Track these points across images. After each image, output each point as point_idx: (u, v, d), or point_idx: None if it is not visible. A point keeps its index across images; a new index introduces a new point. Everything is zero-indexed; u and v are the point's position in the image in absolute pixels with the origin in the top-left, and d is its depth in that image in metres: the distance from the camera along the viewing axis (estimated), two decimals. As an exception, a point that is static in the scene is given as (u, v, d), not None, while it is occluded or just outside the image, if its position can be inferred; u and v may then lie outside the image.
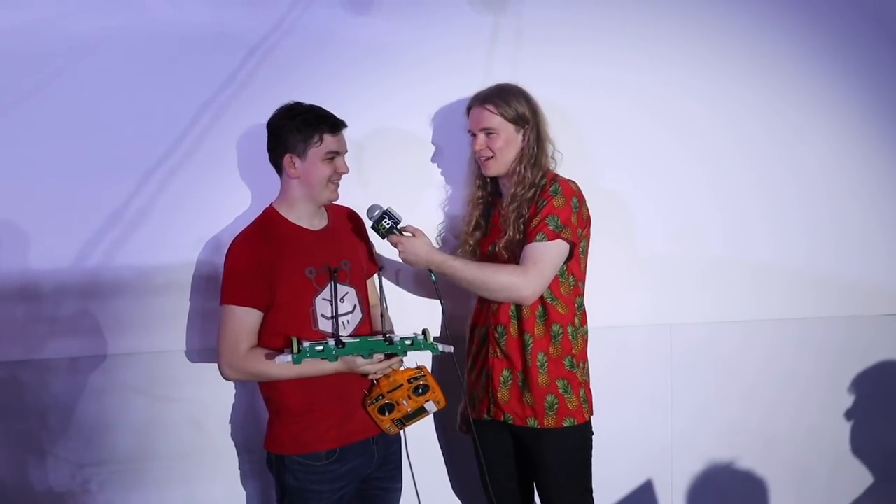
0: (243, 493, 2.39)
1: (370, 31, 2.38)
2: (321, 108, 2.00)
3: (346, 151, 2.04)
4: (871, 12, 2.72)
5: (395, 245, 2.02)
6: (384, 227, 2.00)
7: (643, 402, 2.65)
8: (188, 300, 2.28)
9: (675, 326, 2.66)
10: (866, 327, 2.82)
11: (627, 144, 2.57)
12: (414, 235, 2.03)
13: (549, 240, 2.03)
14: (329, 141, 1.97)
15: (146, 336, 2.26)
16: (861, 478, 2.86)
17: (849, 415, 2.82)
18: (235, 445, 2.37)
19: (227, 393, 2.34)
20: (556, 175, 2.15)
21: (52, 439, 2.23)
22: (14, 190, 2.15)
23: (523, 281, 2.03)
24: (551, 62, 2.46)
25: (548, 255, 2.04)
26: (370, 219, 2.02)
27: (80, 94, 2.17)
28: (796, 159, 2.70)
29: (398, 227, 2.01)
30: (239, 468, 2.38)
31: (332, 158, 1.98)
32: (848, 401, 2.82)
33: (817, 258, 2.75)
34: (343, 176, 2.04)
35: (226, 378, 2.02)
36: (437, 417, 2.41)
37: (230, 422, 2.36)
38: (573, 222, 2.06)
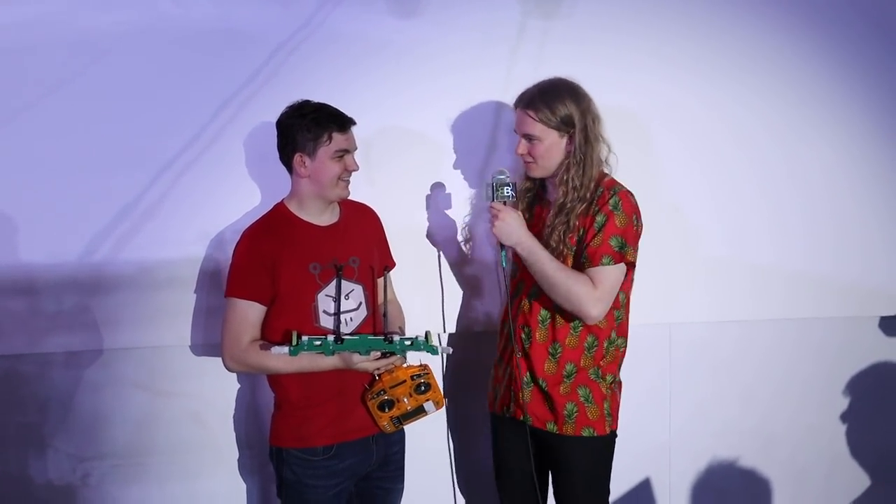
0: (244, 487, 2.40)
1: (382, 27, 2.38)
2: (330, 107, 1.99)
3: (356, 149, 2.04)
4: (871, 14, 2.73)
5: (496, 212, 1.99)
6: (501, 193, 2.00)
7: (642, 400, 2.63)
8: (190, 295, 2.28)
9: (674, 326, 2.67)
10: (865, 328, 2.83)
11: (628, 144, 2.56)
12: (512, 212, 2.00)
13: (615, 263, 1.98)
14: (338, 139, 1.97)
15: (147, 331, 2.27)
16: (858, 477, 2.86)
17: (846, 415, 2.82)
18: (236, 440, 2.37)
19: (227, 388, 2.35)
20: (615, 182, 2.06)
21: (53, 433, 2.25)
22: (15, 184, 2.16)
23: (592, 297, 1.96)
24: (551, 63, 2.45)
25: (614, 277, 1.99)
26: (497, 177, 2.02)
27: (85, 90, 2.18)
28: (796, 160, 2.71)
29: (510, 200, 2.01)
30: (239, 462, 2.38)
31: (341, 157, 1.98)
32: (846, 401, 2.83)
33: (816, 259, 2.75)
34: (353, 173, 2.04)
35: (228, 370, 2.04)
36: (431, 419, 2.39)
37: (231, 417, 2.37)
38: (634, 242, 2.03)
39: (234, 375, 2.33)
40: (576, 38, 2.50)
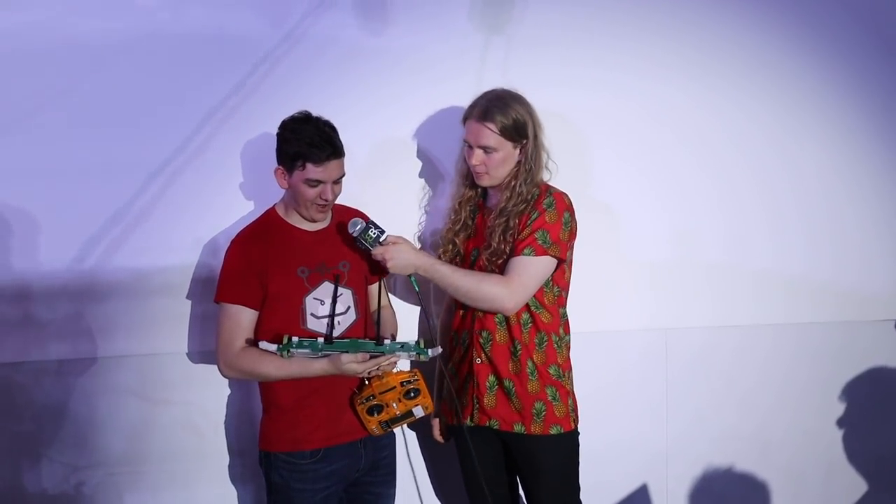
0: (238, 495, 2.39)
1: (368, 38, 2.37)
2: (320, 134, 1.93)
3: (341, 176, 1.99)
4: (868, 18, 2.72)
5: (381, 256, 1.98)
6: (371, 238, 1.97)
7: (639, 406, 2.65)
8: (184, 302, 2.28)
9: (671, 331, 2.66)
10: (863, 333, 2.82)
11: (624, 149, 2.57)
12: (396, 243, 2.00)
13: (536, 255, 2.02)
14: (312, 170, 1.93)
15: (141, 338, 2.26)
16: (856, 483, 2.86)
17: (844, 420, 2.82)
18: (230, 448, 2.36)
19: (221, 395, 2.35)
20: (549, 186, 2.12)
21: (47, 442, 2.23)
22: (9, 192, 2.15)
23: (507, 292, 2.02)
24: (542, 66, 2.45)
25: (533, 268, 2.03)
26: (353, 233, 1.98)
27: (79, 96, 2.17)
28: (794, 165, 2.70)
29: (383, 237, 1.99)
30: (233, 470, 2.37)
31: (315, 185, 1.95)
32: (844, 406, 2.82)
33: (814, 264, 2.75)
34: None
35: (224, 376, 2.05)
36: (423, 424, 2.39)
37: (225, 424, 2.36)
38: (563, 239, 2.05)
39: (228, 382, 2.32)
40: (549, 42, 2.49)
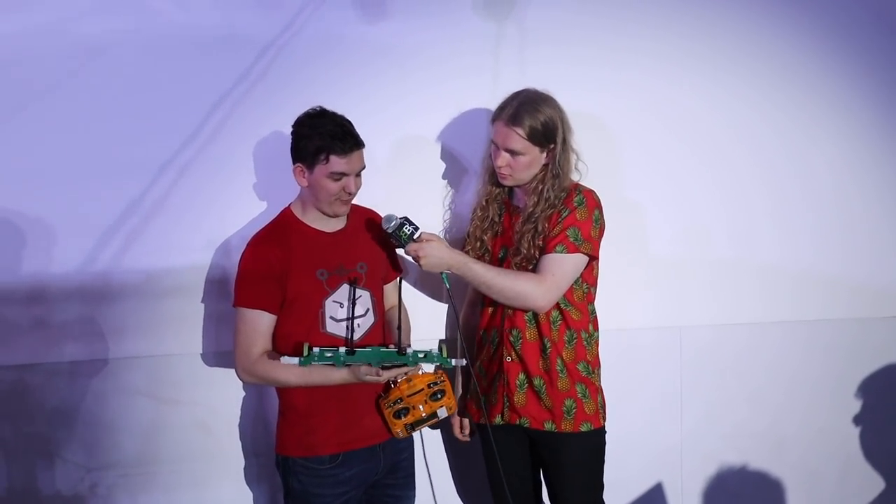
0: (251, 496, 2.38)
1: (378, 33, 2.37)
2: (340, 126, 1.92)
3: (362, 168, 1.98)
4: (878, 12, 2.72)
5: (414, 252, 1.96)
6: (406, 234, 1.94)
7: (652, 404, 2.64)
8: (196, 303, 2.27)
9: (684, 328, 2.65)
10: (874, 329, 2.81)
11: (634, 146, 2.57)
12: (430, 241, 1.97)
13: (568, 252, 2.02)
14: (336, 162, 1.92)
15: (154, 339, 2.26)
16: (871, 480, 2.84)
17: (857, 417, 2.80)
18: (243, 449, 2.36)
19: (234, 396, 2.34)
20: (578, 184, 2.12)
21: (60, 443, 2.23)
22: (21, 193, 2.15)
23: (539, 291, 2.02)
24: (555, 64, 2.45)
25: (565, 266, 2.03)
26: (388, 228, 1.95)
27: (88, 96, 2.18)
28: (804, 160, 2.70)
29: (416, 234, 1.96)
30: (247, 471, 2.37)
31: (339, 179, 1.94)
32: (856, 403, 2.81)
33: (825, 260, 2.74)
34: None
35: (242, 381, 2.04)
36: (445, 424, 2.39)
37: (238, 425, 2.35)
38: (594, 236, 2.05)
39: (241, 383, 2.31)
40: (561, 40, 2.49)
